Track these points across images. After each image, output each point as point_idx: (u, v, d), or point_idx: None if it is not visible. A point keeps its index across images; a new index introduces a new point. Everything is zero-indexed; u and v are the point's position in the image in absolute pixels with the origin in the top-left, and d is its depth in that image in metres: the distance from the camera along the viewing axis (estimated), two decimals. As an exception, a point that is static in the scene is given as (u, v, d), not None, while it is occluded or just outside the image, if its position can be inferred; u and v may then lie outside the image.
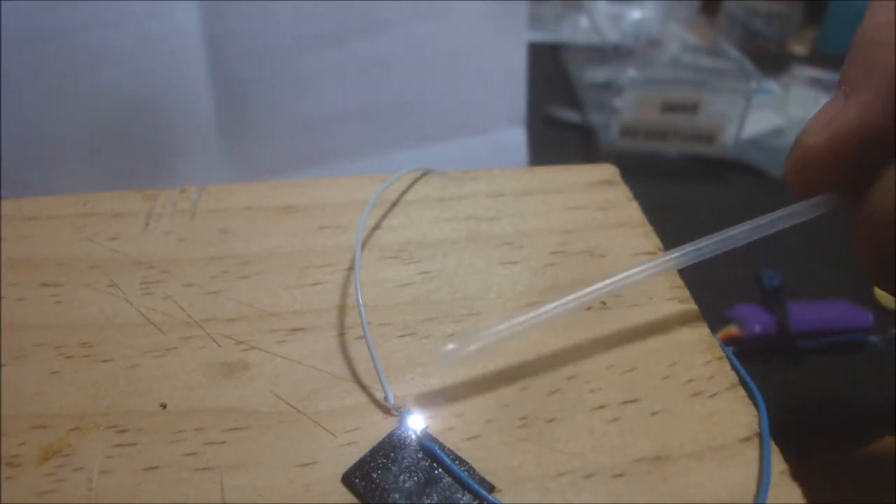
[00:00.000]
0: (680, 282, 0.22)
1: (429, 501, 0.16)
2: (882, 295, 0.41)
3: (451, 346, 0.17)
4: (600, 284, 0.18)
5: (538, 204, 0.25)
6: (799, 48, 0.81)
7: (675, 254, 0.19)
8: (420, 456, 0.17)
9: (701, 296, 0.22)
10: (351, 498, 0.16)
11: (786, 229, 0.20)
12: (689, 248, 0.19)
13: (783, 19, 0.78)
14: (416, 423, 0.18)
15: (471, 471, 0.17)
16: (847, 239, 0.19)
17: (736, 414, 0.18)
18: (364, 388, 0.19)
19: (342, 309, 0.21)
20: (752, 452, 0.17)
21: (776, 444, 0.17)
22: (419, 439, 0.17)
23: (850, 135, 0.18)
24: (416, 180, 0.26)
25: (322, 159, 0.44)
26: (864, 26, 0.19)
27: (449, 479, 0.16)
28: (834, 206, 0.20)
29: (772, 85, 0.65)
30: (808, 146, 0.19)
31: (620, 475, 0.17)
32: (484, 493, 0.16)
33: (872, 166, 0.18)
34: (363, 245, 0.23)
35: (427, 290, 0.22)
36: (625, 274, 0.19)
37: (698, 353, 0.20)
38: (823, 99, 0.68)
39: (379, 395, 0.18)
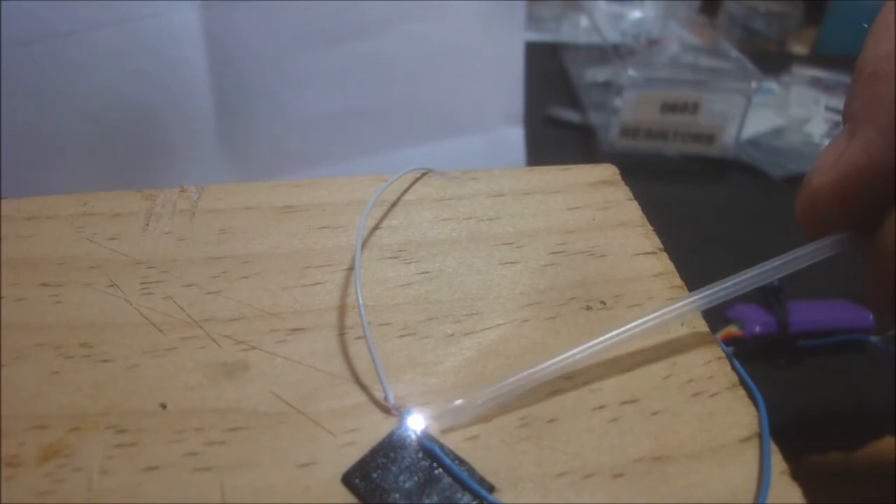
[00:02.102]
0: (680, 282, 0.22)
1: (429, 501, 0.16)
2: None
3: (459, 402, 0.17)
4: (618, 330, 0.19)
5: (538, 204, 0.25)
6: (799, 48, 0.81)
7: (675, 305, 0.19)
8: (420, 456, 0.17)
9: (701, 296, 0.22)
10: (351, 498, 0.16)
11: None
12: (687, 299, 0.19)
13: (783, 19, 0.79)
14: (416, 423, 0.18)
15: (471, 471, 0.17)
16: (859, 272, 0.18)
17: (736, 414, 0.18)
18: (364, 388, 0.19)
19: (342, 309, 0.21)
20: (752, 452, 0.17)
21: (776, 444, 0.17)
22: (419, 439, 0.17)
23: (856, 173, 0.18)
24: (416, 180, 0.26)
25: (322, 159, 0.44)
26: (864, 57, 0.18)
27: (449, 479, 0.16)
28: (845, 245, 0.19)
29: (772, 85, 0.65)
30: (816, 187, 0.19)
31: (620, 475, 0.17)
32: (484, 493, 0.16)
33: (882, 203, 0.17)
34: (363, 245, 0.23)
35: (427, 290, 0.22)
36: (640, 320, 0.19)
37: (698, 353, 0.20)
38: (824, 99, 0.68)
39: (379, 395, 0.18)
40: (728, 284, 0.20)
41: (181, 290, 0.21)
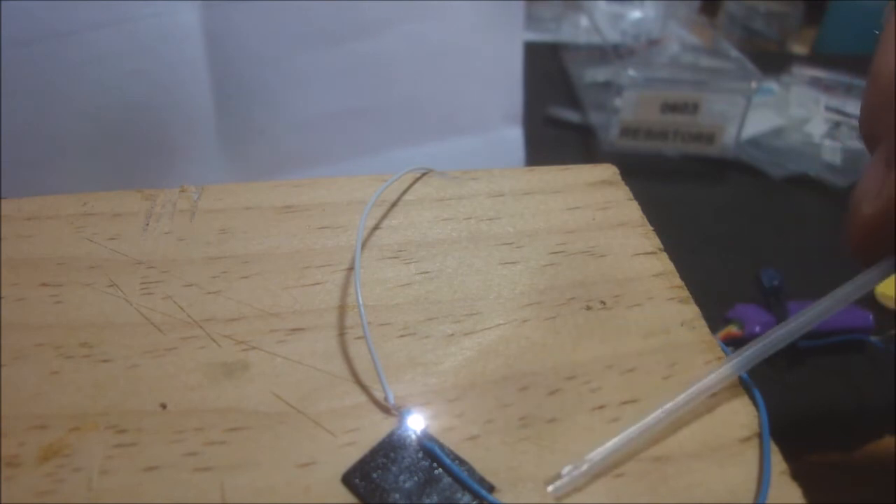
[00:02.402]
0: (680, 282, 0.22)
1: (429, 501, 0.16)
2: (882, 295, 0.41)
3: (567, 468, 0.17)
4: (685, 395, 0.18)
5: (538, 204, 0.25)
6: (799, 48, 0.81)
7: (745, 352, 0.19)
8: (420, 456, 0.17)
9: (701, 296, 0.22)
10: (351, 498, 0.16)
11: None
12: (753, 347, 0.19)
13: (783, 19, 0.78)
14: (416, 423, 0.18)
15: (471, 471, 0.17)
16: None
17: (736, 414, 0.18)
18: (364, 388, 0.19)
19: (342, 309, 0.21)
20: (752, 452, 0.17)
21: (776, 444, 0.17)
22: (419, 439, 0.17)
23: None
24: (416, 180, 0.26)
25: (322, 159, 0.44)
26: (882, 67, 0.18)
27: (449, 479, 0.16)
28: None
29: (772, 85, 0.65)
30: (868, 216, 0.19)
31: (620, 475, 0.17)
32: (484, 493, 0.16)
33: None
34: (363, 245, 0.23)
35: (427, 290, 0.22)
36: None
37: (698, 353, 0.20)
38: (824, 99, 0.67)
39: (379, 395, 0.18)
40: (814, 312, 0.19)
41: (181, 290, 0.21)
